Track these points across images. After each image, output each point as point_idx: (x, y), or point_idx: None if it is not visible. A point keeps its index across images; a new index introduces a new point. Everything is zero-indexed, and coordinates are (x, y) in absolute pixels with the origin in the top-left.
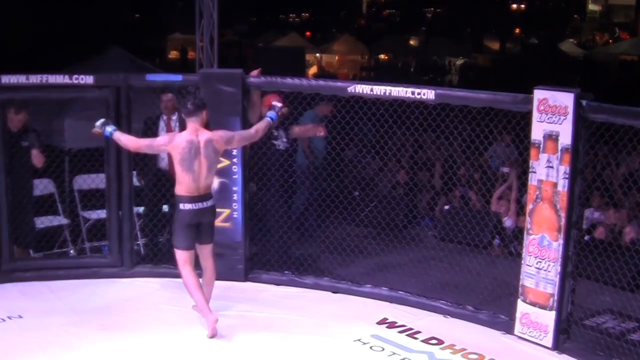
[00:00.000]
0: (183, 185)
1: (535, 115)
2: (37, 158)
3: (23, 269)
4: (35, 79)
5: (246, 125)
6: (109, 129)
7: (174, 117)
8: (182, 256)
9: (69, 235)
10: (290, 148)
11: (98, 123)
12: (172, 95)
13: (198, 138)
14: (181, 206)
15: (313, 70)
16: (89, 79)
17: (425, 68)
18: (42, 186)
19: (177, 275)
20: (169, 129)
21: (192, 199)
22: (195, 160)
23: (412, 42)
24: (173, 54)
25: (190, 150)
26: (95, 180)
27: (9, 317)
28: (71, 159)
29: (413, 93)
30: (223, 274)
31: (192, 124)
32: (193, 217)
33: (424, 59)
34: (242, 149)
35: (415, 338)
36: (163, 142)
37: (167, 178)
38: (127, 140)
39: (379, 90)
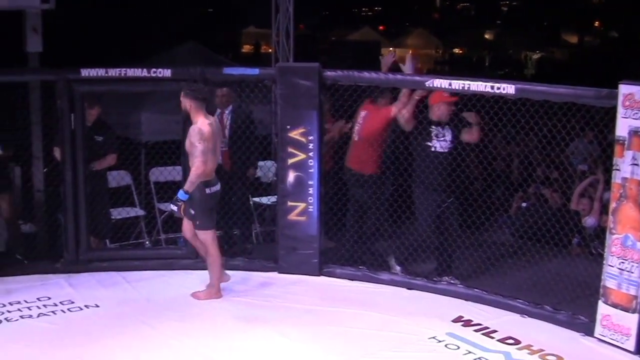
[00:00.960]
0: (208, 169)
1: (620, 110)
2: (112, 160)
3: (100, 259)
4: (114, 72)
5: (322, 119)
6: (180, 196)
7: (227, 111)
8: (211, 235)
9: (145, 226)
10: (455, 151)
11: (175, 208)
12: (227, 90)
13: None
14: (207, 190)
15: None
16: (166, 72)
17: (501, 62)
18: (120, 178)
19: (252, 268)
20: (222, 123)
21: (215, 182)
22: (216, 145)
23: (487, 36)
24: (246, 48)
25: (214, 136)
26: (171, 173)
27: (86, 306)
28: (147, 152)
29: (492, 87)
30: (297, 268)
31: (203, 110)
32: (216, 199)
33: (499, 53)
34: (319, 142)
35: (492, 337)
36: (207, 138)
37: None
38: (198, 168)
39: (458, 84)
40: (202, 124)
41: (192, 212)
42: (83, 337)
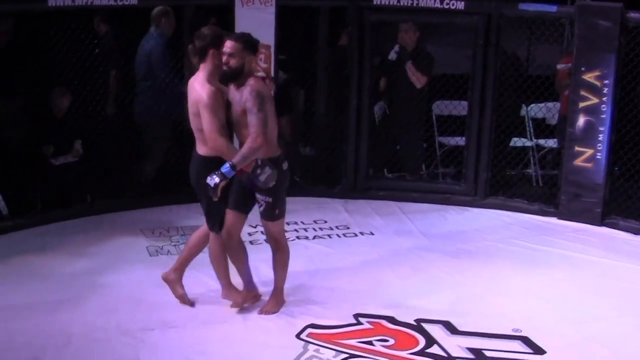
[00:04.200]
0: (274, 142)
1: None
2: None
3: (378, 187)
4: (405, 1)
5: (620, 63)
6: (226, 171)
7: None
8: (283, 225)
9: (424, 159)
10: None
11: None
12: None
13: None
14: (284, 166)
15: None
16: (460, 5)
17: None
18: None
19: (530, 211)
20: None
21: (284, 157)
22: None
23: None
24: None
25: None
26: (456, 107)
27: (361, 233)
28: (433, 86)
29: None
30: (578, 216)
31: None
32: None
33: None
34: (614, 87)
35: None
36: (269, 101)
37: None
38: (255, 141)
39: None
40: (258, 84)
41: (269, 199)
42: (356, 264)
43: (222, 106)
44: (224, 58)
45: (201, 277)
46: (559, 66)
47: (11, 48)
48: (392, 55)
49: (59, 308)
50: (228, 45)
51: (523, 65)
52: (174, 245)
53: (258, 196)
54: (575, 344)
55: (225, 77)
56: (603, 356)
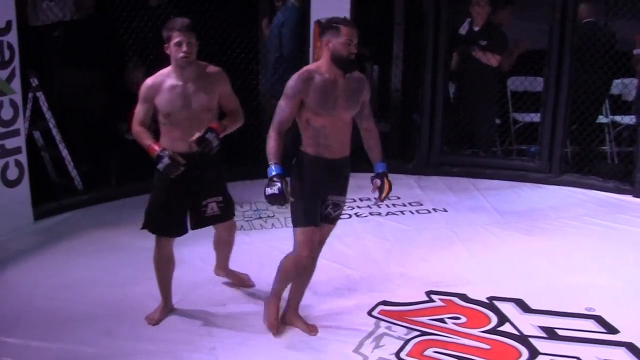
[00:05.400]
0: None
1: None
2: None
3: (451, 163)
4: None
5: None
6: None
7: None
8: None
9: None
10: None
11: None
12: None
13: None
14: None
15: None
16: None
17: None
18: None
19: (605, 189)
20: None
21: None
22: None
23: None
24: None
25: None
26: (532, 83)
27: (434, 209)
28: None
29: None
30: None
31: None
32: None
33: None
34: None
35: None
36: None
37: None
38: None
39: None
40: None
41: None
42: (428, 240)
43: None
44: (352, 48)
45: None
46: (635, 51)
47: (90, 21)
48: (463, 30)
49: (134, 282)
50: (354, 33)
51: (616, 41)
52: (247, 221)
53: None
54: None
55: (353, 66)
56: None
